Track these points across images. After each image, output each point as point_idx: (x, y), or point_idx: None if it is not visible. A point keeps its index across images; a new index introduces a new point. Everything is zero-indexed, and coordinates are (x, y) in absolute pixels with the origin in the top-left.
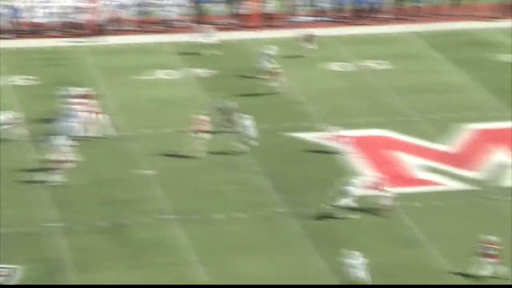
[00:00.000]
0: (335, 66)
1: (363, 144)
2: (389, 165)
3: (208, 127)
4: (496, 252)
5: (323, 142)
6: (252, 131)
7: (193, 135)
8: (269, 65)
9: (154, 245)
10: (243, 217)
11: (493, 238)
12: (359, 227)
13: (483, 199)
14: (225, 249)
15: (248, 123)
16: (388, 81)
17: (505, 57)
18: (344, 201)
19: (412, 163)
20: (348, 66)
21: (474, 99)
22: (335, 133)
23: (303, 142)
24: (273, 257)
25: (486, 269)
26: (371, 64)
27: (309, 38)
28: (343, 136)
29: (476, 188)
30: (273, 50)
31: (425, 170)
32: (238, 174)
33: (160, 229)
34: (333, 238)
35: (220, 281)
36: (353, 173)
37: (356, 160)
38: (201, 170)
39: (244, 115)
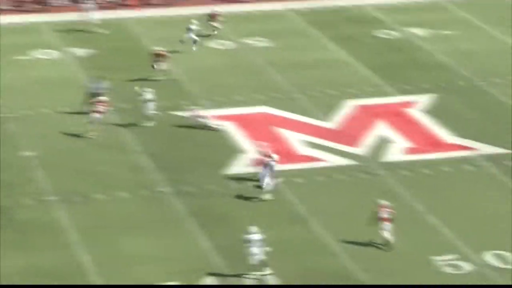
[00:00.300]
0: (215, 44)
1: (245, 122)
2: (271, 142)
3: (103, 108)
4: (391, 216)
5: (204, 120)
6: (151, 106)
7: (89, 115)
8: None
9: (37, 227)
10: (126, 197)
11: (385, 202)
12: (244, 205)
13: (365, 174)
14: (109, 229)
15: (149, 96)
16: (268, 58)
17: (382, 34)
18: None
19: (294, 140)
20: (228, 44)
21: (353, 75)
22: (211, 112)
23: (185, 120)
24: (159, 237)
25: (386, 231)
26: (251, 41)
27: (213, 16)
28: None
29: (357, 163)
30: (194, 25)
31: (307, 146)
32: (120, 154)
33: (42, 210)
34: (218, 216)
35: (104, 262)
36: (236, 151)
37: (238, 138)
38: (83, 151)
39: (146, 89)
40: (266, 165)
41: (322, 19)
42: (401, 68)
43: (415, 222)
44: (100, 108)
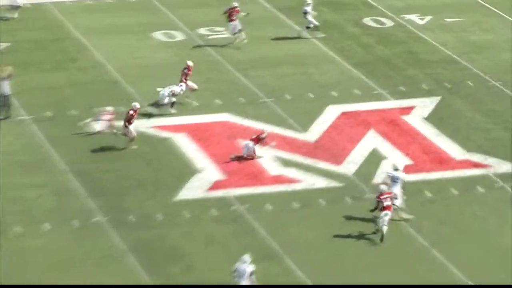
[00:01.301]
0: (160, 36)
1: (200, 134)
2: (235, 159)
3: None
4: (389, 203)
5: (145, 129)
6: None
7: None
8: None
9: None
10: (49, 230)
11: (384, 187)
12: (199, 237)
13: (351, 199)
14: (30, 268)
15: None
16: (229, 53)
17: (372, 22)
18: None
19: (262, 156)
20: (176, 35)
21: (336, 74)
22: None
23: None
24: (92, 278)
25: (386, 221)
26: (206, 32)
27: None
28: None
29: (342, 185)
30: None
31: (279, 164)
32: (42, 174)
33: None
34: (166, 251)
35: None
36: (189, 170)
37: (192, 153)
38: None
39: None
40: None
41: (295, 3)
42: (396, 65)
43: (418, 259)
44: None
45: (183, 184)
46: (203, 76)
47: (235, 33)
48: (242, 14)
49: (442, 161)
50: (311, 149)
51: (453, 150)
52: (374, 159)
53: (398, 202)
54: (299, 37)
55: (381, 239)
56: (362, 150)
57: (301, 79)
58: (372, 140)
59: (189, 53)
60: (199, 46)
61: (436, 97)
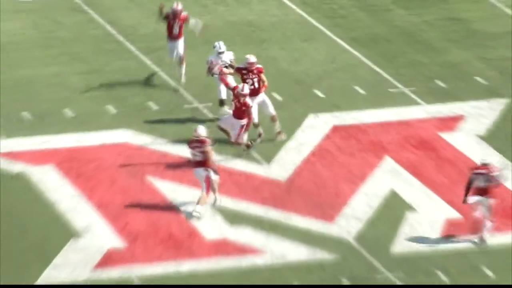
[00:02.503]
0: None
1: (77, 164)
2: (139, 210)
3: None
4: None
5: None
6: None
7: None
8: None
9: None
10: None
11: None
12: None
13: (350, 279)
14: None
15: None
16: (134, 25)
17: None
18: None
19: (187, 209)
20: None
21: (328, 62)
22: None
23: None
24: None
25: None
26: None
27: None
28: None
29: (335, 257)
30: None
31: (222, 222)
32: None
33: None
34: None
35: None
36: (59, 232)
37: (66, 201)
38: None
39: None
40: None
41: None
42: (428, 41)
43: None
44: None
45: (49, 258)
46: (87, 64)
47: None
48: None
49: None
50: (280, 194)
51: None
52: (392, 211)
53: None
54: None
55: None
56: (371, 195)
57: (270, 70)
58: (387, 177)
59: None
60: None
61: (502, 99)
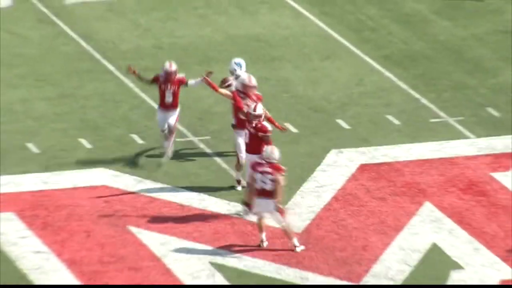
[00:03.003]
0: None
1: (45, 213)
2: (111, 272)
3: None
4: None
5: None
6: None
7: None
8: None
9: None
10: None
11: None
12: None
13: None
14: None
15: None
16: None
17: None
18: None
19: (180, 267)
20: None
21: (348, 81)
22: None
23: None
24: None
25: None
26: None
27: None
28: None
29: None
30: None
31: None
32: None
33: None
34: None
35: None
36: None
37: (30, 261)
38: None
39: None
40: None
41: None
42: (477, 59)
43: None
44: None
45: None
46: (57, 87)
47: None
48: None
49: None
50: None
51: None
52: (433, 269)
53: None
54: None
55: None
56: (407, 250)
57: (274, 92)
58: (427, 228)
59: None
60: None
61: None
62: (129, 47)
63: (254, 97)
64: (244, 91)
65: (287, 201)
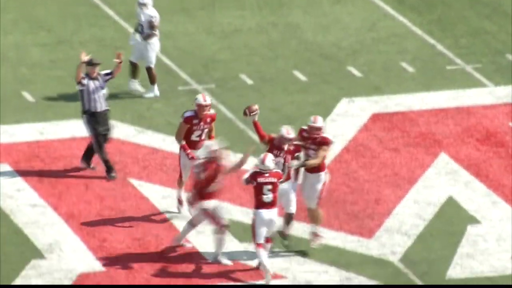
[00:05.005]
0: None
1: (40, 163)
2: (110, 226)
3: None
4: None
5: None
6: None
7: None
8: None
9: None
10: None
11: None
12: None
13: None
14: None
15: None
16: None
17: None
18: None
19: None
20: None
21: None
22: None
23: None
24: None
25: None
26: None
27: None
28: None
29: (372, 283)
30: None
31: (229, 239)
32: None
33: None
34: None
35: None
36: (19, 251)
37: (25, 210)
38: None
39: None
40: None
41: None
42: (489, 15)
43: None
44: None
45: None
46: (52, 33)
47: None
48: None
49: None
50: (304, 201)
51: None
52: (449, 224)
53: None
54: None
55: None
56: (422, 204)
57: (282, 39)
58: (443, 180)
59: None
60: None
61: None
62: None
63: (209, 119)
64: (196, 112)
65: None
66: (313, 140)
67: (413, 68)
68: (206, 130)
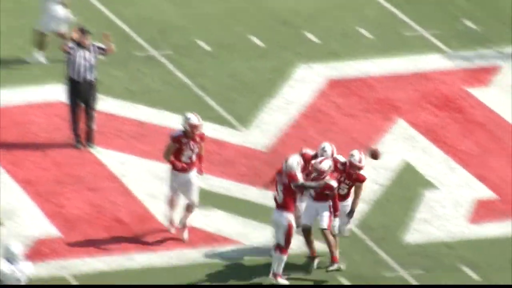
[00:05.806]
0: None
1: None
2: (68, 193)
3: None
4: None
5: None
6: None
7: None
8: None
9: None
10: None
11: None
12: None
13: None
14: None
15: None
16: None
17: None
18: None
19: (146, 185)
20: None
21: None
22: None
23: None
24: None
25: None
26: None
27: None
28: None
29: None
30: None
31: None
32: None
33: None
34: None
35: None
36: None
37: None
38: None
39: None
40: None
41: None
42: None
43: None
44: None
45: None
46: None
47: None
48: None
49: None
50: (261, 168)
51: None
52: (406, 189)
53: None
54: None
55: None
56: (378, 169)
57: (240, 5)
58: (400, 145)
59: None
60: None
61: None
62: None
63: (198, 138)
64: (186, 133)
65: (253, 119)
66: (348, 175)
67: (372, 34)
68: (196, 151)
